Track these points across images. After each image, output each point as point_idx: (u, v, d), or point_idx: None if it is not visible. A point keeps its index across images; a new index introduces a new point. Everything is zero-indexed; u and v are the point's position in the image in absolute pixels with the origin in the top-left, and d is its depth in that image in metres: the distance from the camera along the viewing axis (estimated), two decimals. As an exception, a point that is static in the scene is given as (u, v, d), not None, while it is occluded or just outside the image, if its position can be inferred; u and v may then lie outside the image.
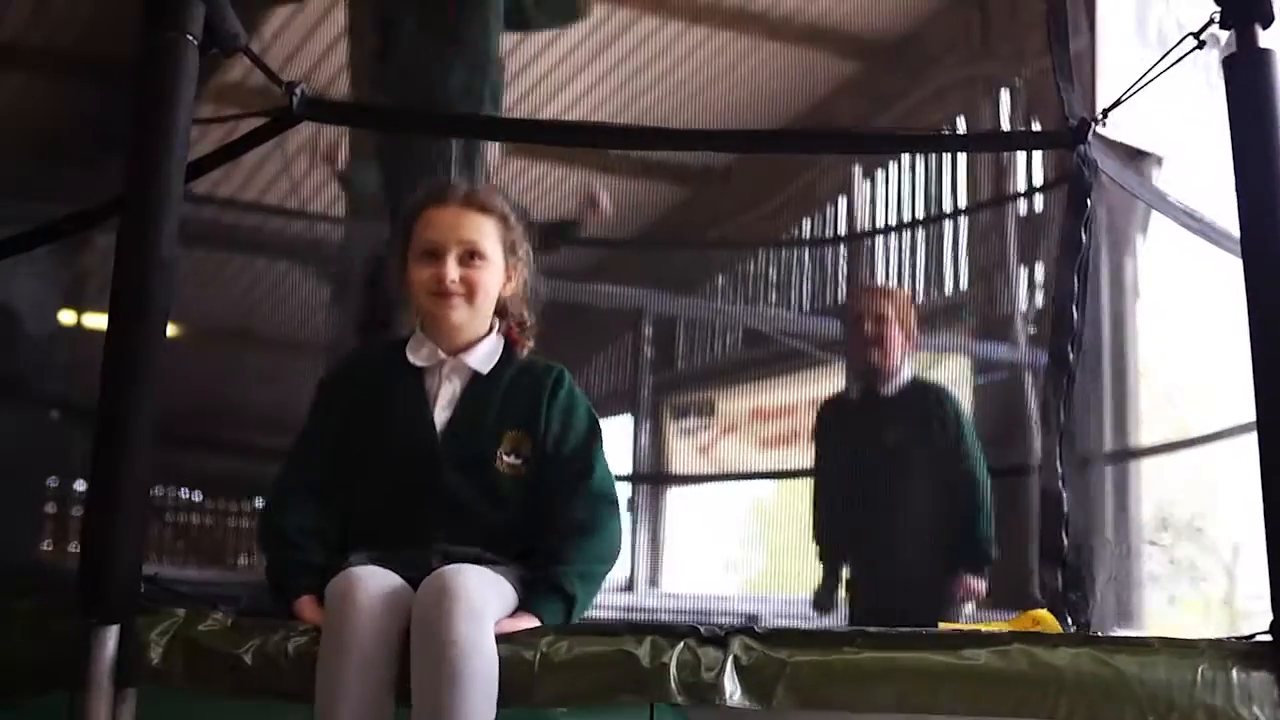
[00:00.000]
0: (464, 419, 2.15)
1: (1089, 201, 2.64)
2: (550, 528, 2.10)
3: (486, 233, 2.19)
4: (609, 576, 2.13)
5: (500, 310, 2.25)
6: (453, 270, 2.15)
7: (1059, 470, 2.59)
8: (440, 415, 2.15)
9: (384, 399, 2.17)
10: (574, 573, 2.02)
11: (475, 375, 2.18)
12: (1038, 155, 6.91)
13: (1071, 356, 2.63)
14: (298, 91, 2.43)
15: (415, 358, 2.18)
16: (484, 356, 2.20)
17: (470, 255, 2.17)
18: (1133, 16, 3.03)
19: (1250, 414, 1.95)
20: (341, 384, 2.25)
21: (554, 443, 2.16)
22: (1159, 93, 2.52)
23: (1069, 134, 2.65)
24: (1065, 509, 2.58)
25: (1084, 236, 2.65)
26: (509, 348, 2.23)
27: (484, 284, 2.18)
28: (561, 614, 1.99)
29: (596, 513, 2.11)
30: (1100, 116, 2.62)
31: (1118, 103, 2.58)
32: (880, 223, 8.30)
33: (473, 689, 1.78)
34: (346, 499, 2.15)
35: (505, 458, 2.14)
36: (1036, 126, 6.90)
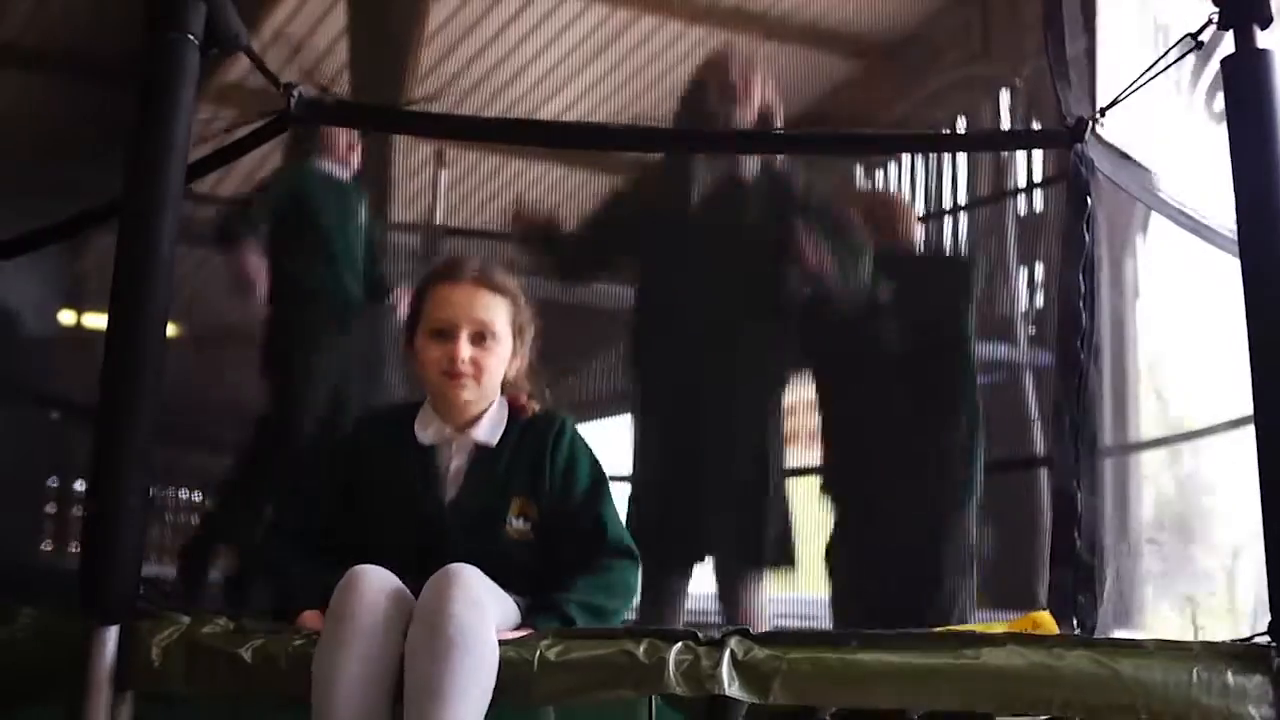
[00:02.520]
0: (472, 493, 2.17)
1: (1089, 200, 2.64)
2: (562, 570, 2.12)
3: (498, 312, 2.21)
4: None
5: (504, 386, 2.26)
6: (465, 350, 2.16)
7: (1073, 472, 2.57)
8: (449, 491, 2.17)
9: (392, 473, 2.18)
10: (575, 600, 2.03)
11: (482, 447, 2.20)
12: (1037, 151, 6.91)
13: (1082, 356, 2.62)
14: (295, 93, 2.44)
15: (423, 436, 2.20)
16: (490, 428, 2.21)
17: (481, 336, 2.19)
18: (1135, 12, 3.02)
19: (1249, 410, 1.96)
20: (346, 458, 2.25)
21: (558, 499, 2.17)
22: (1149, 102, 2.53)
23: (1066, 133, 2.65)
24: (1079, 511, 2.56)
25: (1086, 236, 2.64)
26: (513, 413, 2.24)
27: (493, 366, 2.20)
28: None
29: (609, 560, 2.13)
30: (1098, 115, 2.62)
31: (1115, 101, 2.58)
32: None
33: (465, 664, 1.77)
34: (343, 553, 2.14)
35: (514, 523, 2.16)
36: (1037, 126, 6.90)
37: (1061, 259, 2.71)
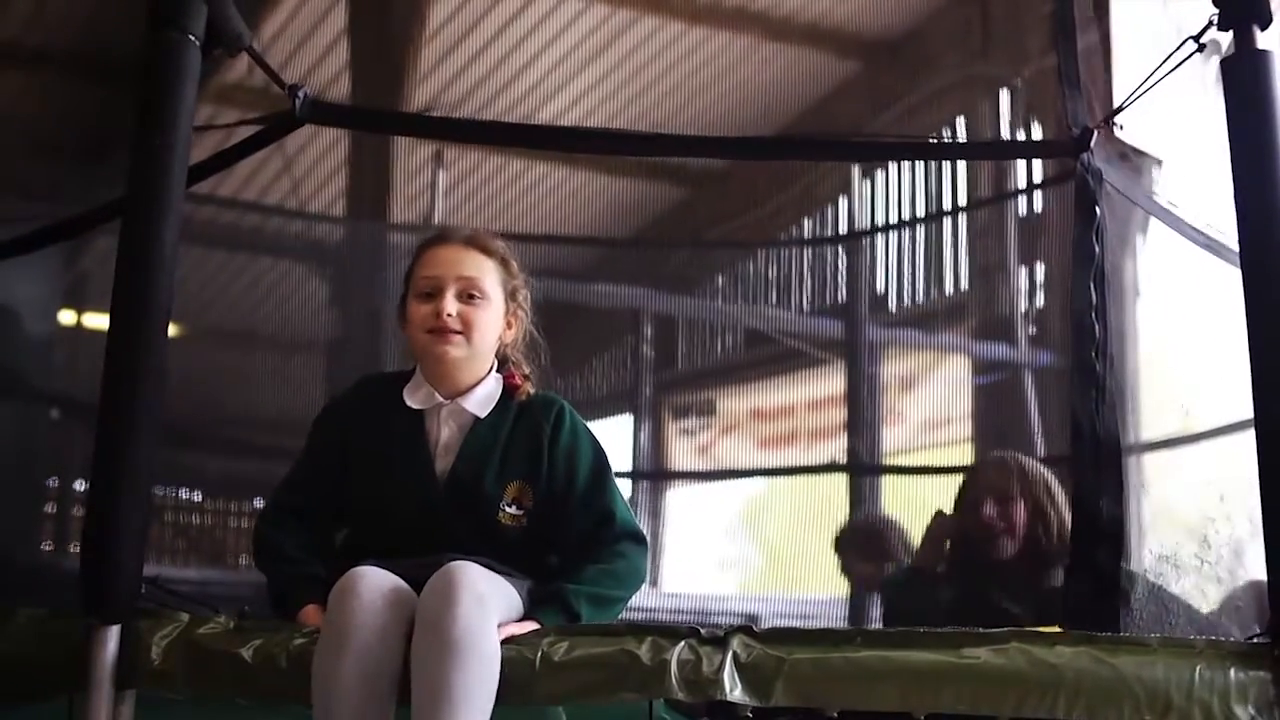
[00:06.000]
0: (465, 469, 2.12)
1: (1098, 210, 2.61)
2: (570, 556, 2.10)
3: (486, 272, 2.16)
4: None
5: (500, 359, 2.21)
6: (451, 305, 2.11)
7: (1094, 483, 2.54)
8: (440, 463, 2.12)
9: (383, 440, 2.14)
10: (583, 593, 2.00)
11: (474, 421, 2.14)
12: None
13: (1098, 368, 2.59)
14: (301, 94, 2.40)
15: (412, 400, 2.15)
16: (481, 400, 2.15)
17: (469, 294, 2.13)
18: (1148, 13, 3.00)
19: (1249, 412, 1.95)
20: (340, 420, 2.21)
21: (562, 485, 2.13)
22: (1156, 94, 2.51)
23: (1071, 143, 2.62)
24: (1103, 522, 2.53)
25: (1096, 246, 2.62)
26: (508, 392, 2.18)
27: (482, 323, 2.13)
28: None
29: (619, 546, 2.10)
30: (1104, 122, 2.60)
31: (1120, 108, 2.57)
32: (880, 222, 8.32)
33: (473, 670, 1.76)
34: (341, 531, 2.15)
35: (507, 509, 2.11)
36: (1036, 126, 6.92)
37: (1072, 270, 2.67)
